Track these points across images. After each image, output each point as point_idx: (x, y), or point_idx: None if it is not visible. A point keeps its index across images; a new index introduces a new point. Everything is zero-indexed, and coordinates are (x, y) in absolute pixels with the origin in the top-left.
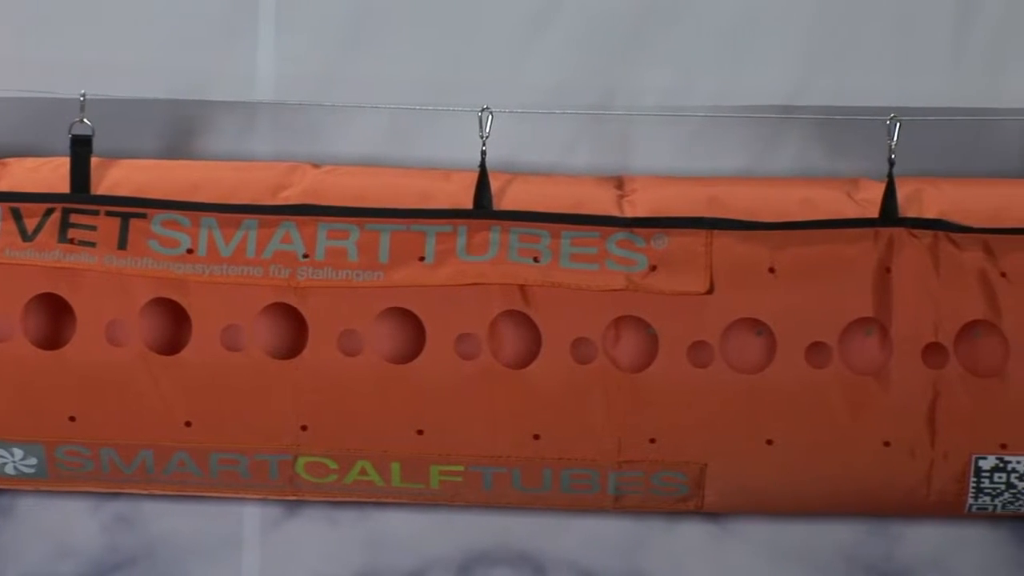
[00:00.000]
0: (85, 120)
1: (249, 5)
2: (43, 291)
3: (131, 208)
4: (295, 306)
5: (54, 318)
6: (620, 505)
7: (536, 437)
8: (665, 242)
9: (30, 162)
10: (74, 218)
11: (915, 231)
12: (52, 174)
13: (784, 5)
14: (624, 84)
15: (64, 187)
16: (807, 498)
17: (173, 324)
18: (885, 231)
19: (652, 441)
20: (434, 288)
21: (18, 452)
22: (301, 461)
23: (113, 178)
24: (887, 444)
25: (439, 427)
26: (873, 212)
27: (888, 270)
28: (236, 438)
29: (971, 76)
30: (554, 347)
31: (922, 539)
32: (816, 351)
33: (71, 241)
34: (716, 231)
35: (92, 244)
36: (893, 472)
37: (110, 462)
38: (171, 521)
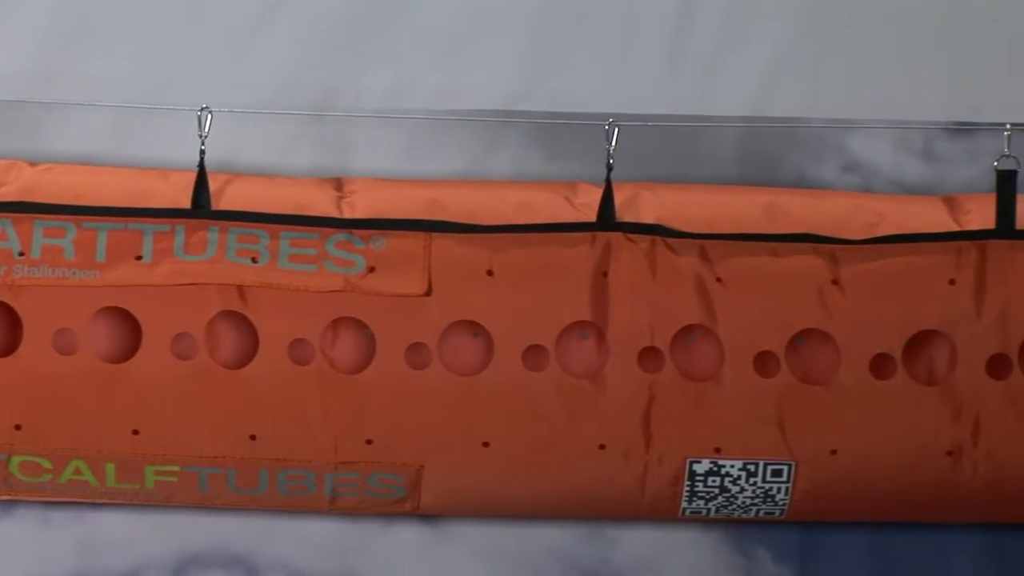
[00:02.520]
0: None
1: None
2: None
3: None
4: (10, 304)
5: None
6: (336, 506)
7: (252, 438)
8: (384, 244)
9: None
10: None
11: (632, 236)
12: None
13: (506, 10)
14: (345, 85)
15: None
16: (523, 500)
17: None
18: (603, 235)
19: (369, 442)
20: (151, 287)
21: None
22: (15, 460)
23: None
24: (602, 447)
25: (154, 427)
26: (591, 217)
27: (605, 274)
28: None
29: (688, 83)
30: (271, 348)
31: (636, 542)
32: (533, 354)
33: None
34: (435, 233)
35: None
36: (608, 475)
37: None
38: None
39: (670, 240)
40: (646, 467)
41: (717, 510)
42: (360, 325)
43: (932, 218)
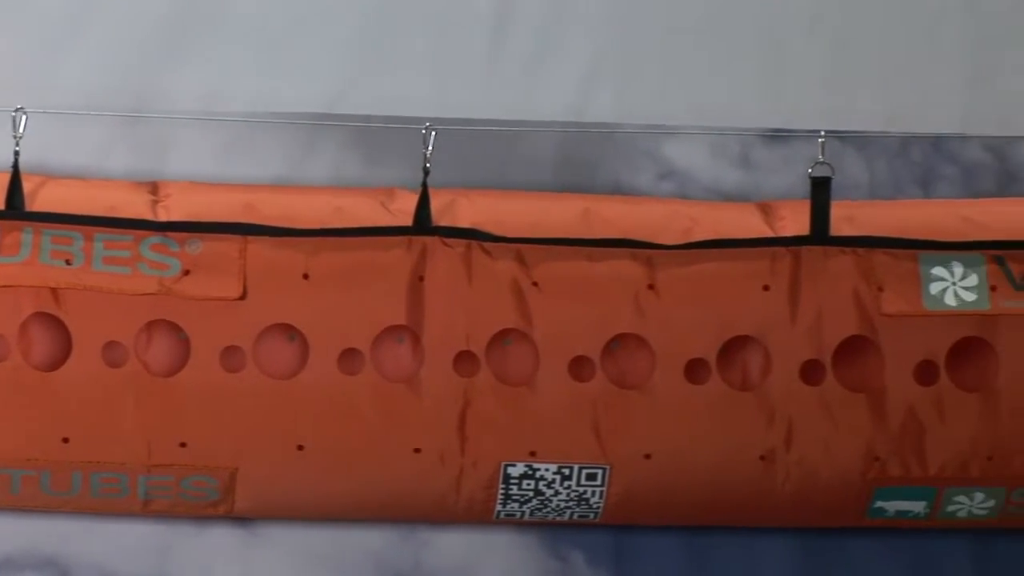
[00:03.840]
0: None
1: None
2: None
3: None
4: None
5: None
6: (150, 509)
7: (65, 440)
8: (199, 247)
9: None
10: None
11: (448, 240)
12: None
13: (325, 13)
14: (162, 88)
15: None
16: (338, 504)
17: None
18: (419, 240)
19: (183, 445)
20: None
21: None
22: None
23: None
24: (417, 451)
25: None
26: (408, 222)
27: (421, 278)
28: None
29: (506, 89)
30: (85, 350)
31: (451, 545)
32: (348, 357)
33: None
34: (251, 237)
35: None
36: (423, 478)
37: None
38: None
39: (486, 244)
40: (461, 470)
41: (532, 513)
42: (175, 328)
43: (747, 224)
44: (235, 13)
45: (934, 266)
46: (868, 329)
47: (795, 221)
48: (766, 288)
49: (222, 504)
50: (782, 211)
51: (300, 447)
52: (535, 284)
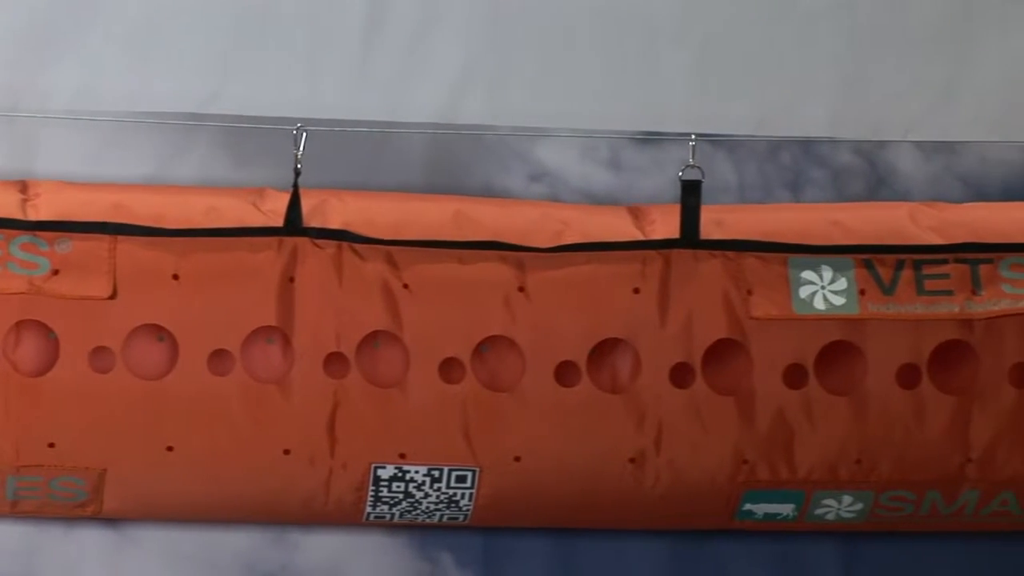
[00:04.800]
0: None
1: None
2: None
3: None
4: None
5: None
6: (18, 510)
7: None
8: (69, 246)
9: None
10: None
11: (319, 241)
12: None
13: (197, 13)
14: (32, 86)
15: None
16: (207, 505)
17: None
18: (289, 241)
19: (51, 446)
20: None
21: None
22: None
23: None
24: (287, 452)
25: None
26: (279, 223)
27: (291, 279)
28: None
29: (377, 89)
30: None
31: (320, 547)
32: (218, 358)
33: None
34: (120, 236)
35: None
36: (293, 480)
37: None
38: None
39: (357, 246)
40: (331, 472)
41: (401, 515)
42: (44, 328)
43: (618, 227)
44: (106, 12)
45: (803, 270)
46: (737, 332)
47: (665, 224)
48: (636, 291)
49: (91, 505)
50: (652, 214)
51: (169, 448)
52: (406, 286)
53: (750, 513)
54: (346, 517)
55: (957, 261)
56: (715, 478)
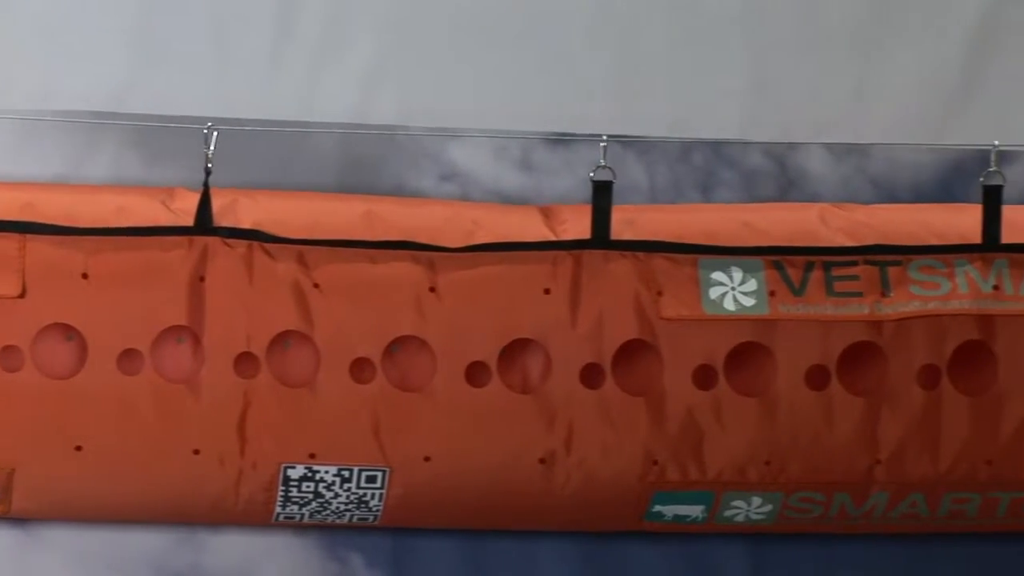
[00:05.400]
0: None
1: None
2: None
3: None
4: None
5: None
6: None
7: None
8: None
9: None
10: None
11: (230, 241)
12: None
13: (106, 10)
14: None
15: None
16: (117, 505)
17: None
18: (200, 240)
19: None
20: None
21: None
22: None
23: None
24: (197, 452)
25: None
26: (189, 221)
27: (202, 279)
28: None
29: (288, 89)
30: None
31: (229, 547)
32: (128, 358)
33: None
34: (29, 235)
35: None
36: (202, 480)
37: None
38: None
39: (268, 245)
40: (240, 472)
41: (311, 515)
42: None
43: (529, 227)
44: (14, 9)
45: (714, 271)
46: (648, 333)
47: (576, 225)
48: (547, 291)
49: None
50: (563, 215)
51: (78, 448)
52: (316, 286)
53: (659, 515)
54: (256, 517)
55: (867, 263)
56: (625, 479)
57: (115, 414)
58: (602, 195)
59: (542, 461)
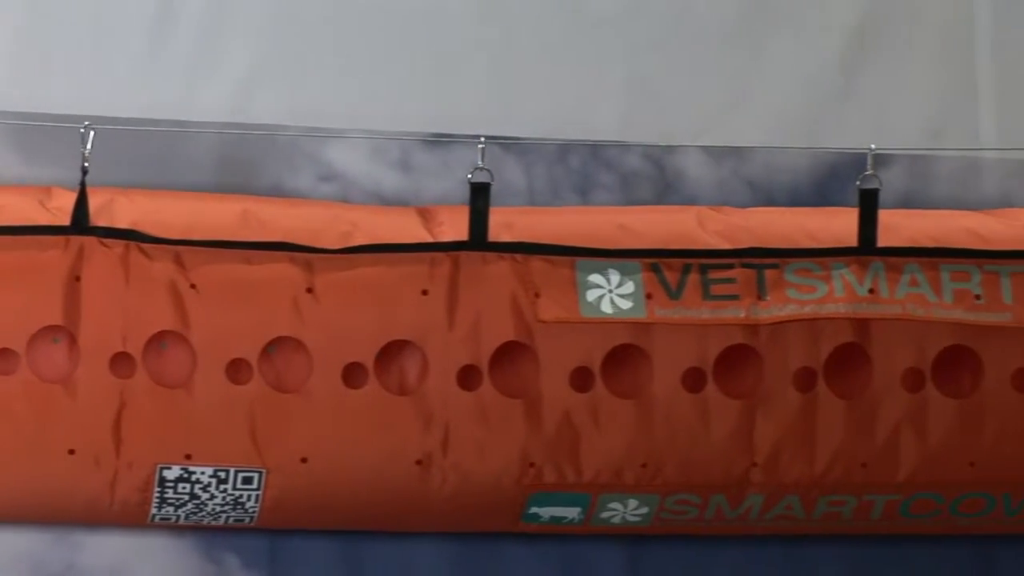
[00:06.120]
0: None
1: None
2: None
3: None
4: None
5: None
6: None
7: None
8: None
9: None
10: None
11: (106, 240)
12: None
13: None
14: None
15: None
16: None
17: None
18: (76, 240)
19: None
20: None
21: None
22: None
23: None
24: (72, 452)
25: None
26: (65, 221)
27: (78, 279)
28: None
29: (166, 88)
30: None
31: (105, 548)
32: (3, 357)
33: None
34: None
35: None
36: (77, 480)
37: None
38: None
39: (144, 246)
40: (116, 473)
41: (187, 516)
42: None
43: (407, 229)
44: None
45: (591, 273)
46: (525, 335)
47: (454, 226)
48: (425, 293)
49: None
50: (441, 216)
51: None
52: (193, 286)
53: (536, 516)
54: (131, 518)
55: (743, 266)
56: (501, 480)
57: None
58: (479, 197)
59: (419, 463)
